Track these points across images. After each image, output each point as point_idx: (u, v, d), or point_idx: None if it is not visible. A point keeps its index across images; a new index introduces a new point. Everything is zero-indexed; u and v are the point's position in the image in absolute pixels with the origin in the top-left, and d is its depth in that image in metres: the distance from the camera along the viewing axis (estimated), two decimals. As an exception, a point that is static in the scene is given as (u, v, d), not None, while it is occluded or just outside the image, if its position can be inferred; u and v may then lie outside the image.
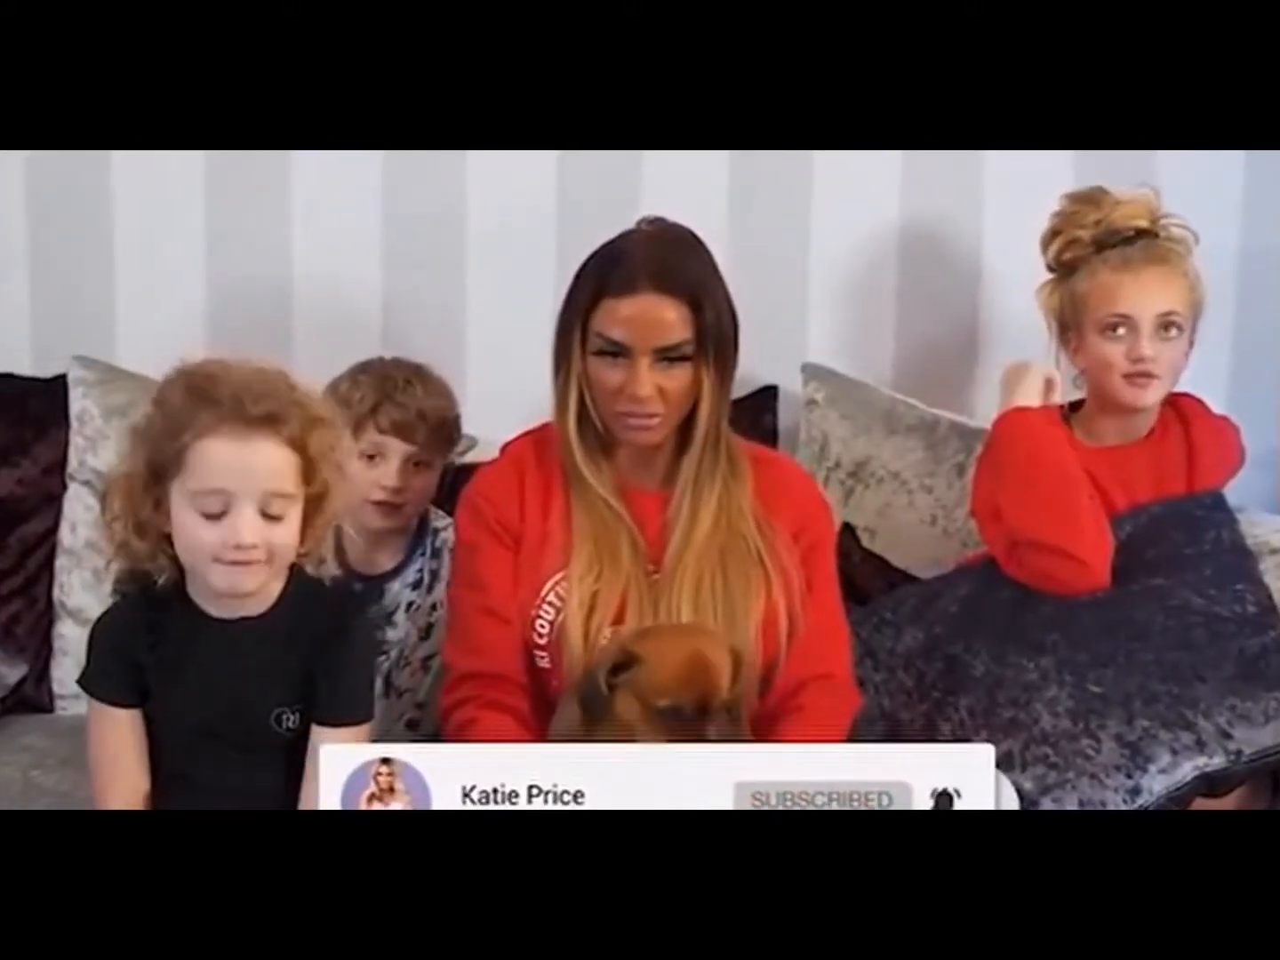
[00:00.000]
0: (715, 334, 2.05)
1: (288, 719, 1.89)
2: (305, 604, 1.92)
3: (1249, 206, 2.88)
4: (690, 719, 1.90)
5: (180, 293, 2.78)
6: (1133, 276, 2.35)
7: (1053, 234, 2.42)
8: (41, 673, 2.65)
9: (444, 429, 2.44)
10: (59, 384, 2.71)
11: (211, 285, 2.79)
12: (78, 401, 2.68)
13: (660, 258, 2.04)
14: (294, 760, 1.89)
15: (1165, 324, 2.35)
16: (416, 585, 2.44)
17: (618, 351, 2.03)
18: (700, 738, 1.87)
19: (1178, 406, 2.45)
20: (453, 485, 2.46)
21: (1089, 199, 2.41)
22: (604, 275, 2.05)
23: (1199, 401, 2.48)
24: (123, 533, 1.86)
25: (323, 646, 1.89)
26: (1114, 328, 2.35)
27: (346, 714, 1.90)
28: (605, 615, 2.07)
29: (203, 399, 1.82)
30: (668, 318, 2.02)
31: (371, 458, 2.38)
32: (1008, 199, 2.83)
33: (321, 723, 1.89)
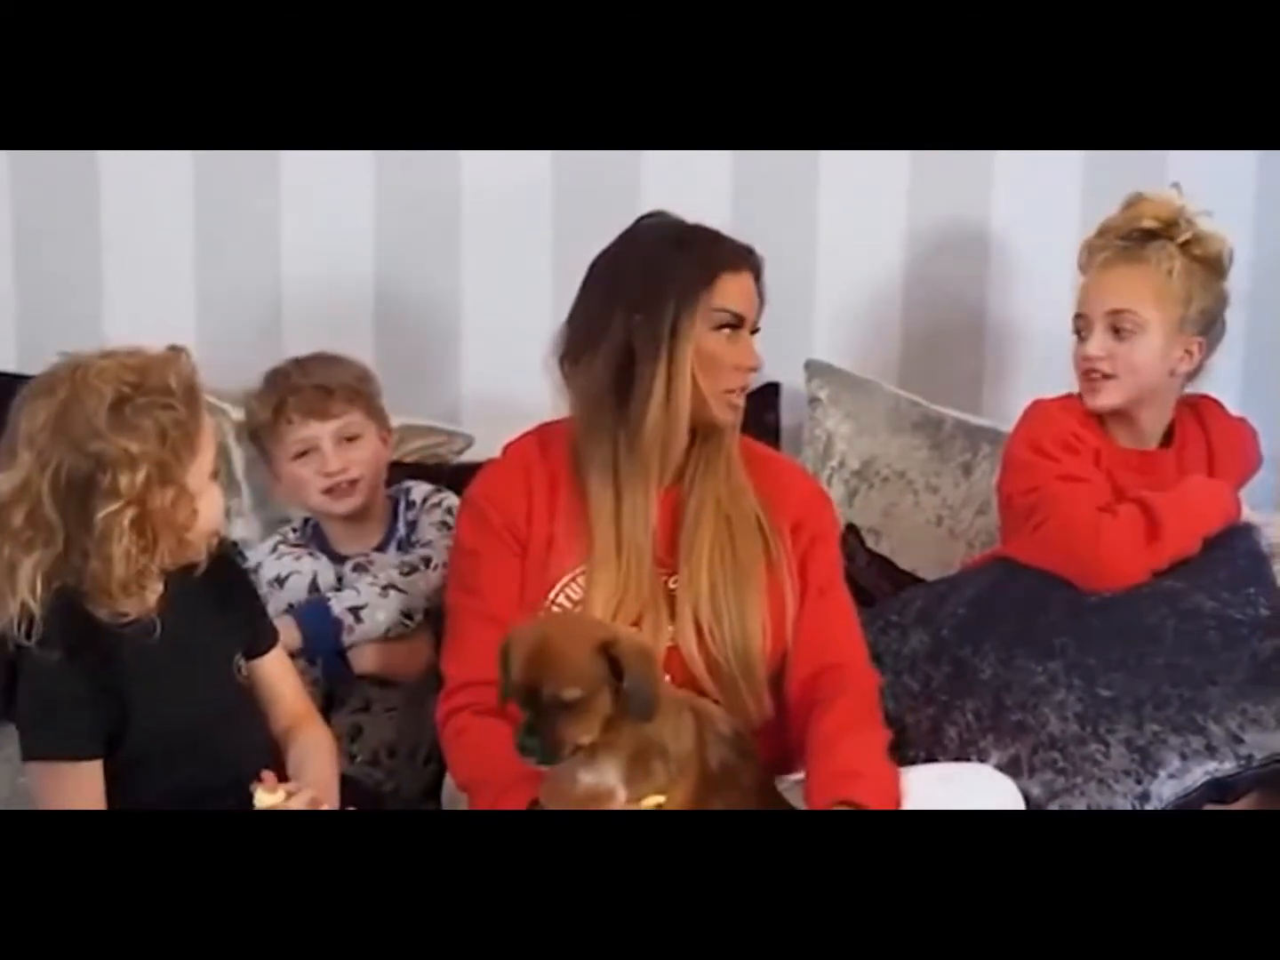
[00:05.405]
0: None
1: (240, 664, 2.04)
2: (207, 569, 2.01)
3: (1261, 206, 2.87)
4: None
5: (168, 287, 2.75)
6: (1098, 275, 2.32)
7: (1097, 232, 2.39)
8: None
9: (357, 397, 2.41)
10: (46, 381, 2.67)
11: (200, 279, 2.76)
12: (64, 399, 2.64)
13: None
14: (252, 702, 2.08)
15: (1116, 322, 2.28)
16: (401, 544, 2.45)
17: (736, 324, 2.10)
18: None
19: (1196, 408, 2.42)
20: (450, 484, 2.45)
21: (1127, 201, 2.36)
22: (714, 253, 2.10)
23: (1217, 403, 2.45)
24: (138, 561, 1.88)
25: (233, 590, 2.07)
26: (1079, 328, 2.33)
27: (272, 639, 2.11)
28: (624, 616, 2.04)
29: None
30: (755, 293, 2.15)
31: (304, 454, 2.39)
32: (1016, 196, 2.82)
33: (256, 655, 2.07)
